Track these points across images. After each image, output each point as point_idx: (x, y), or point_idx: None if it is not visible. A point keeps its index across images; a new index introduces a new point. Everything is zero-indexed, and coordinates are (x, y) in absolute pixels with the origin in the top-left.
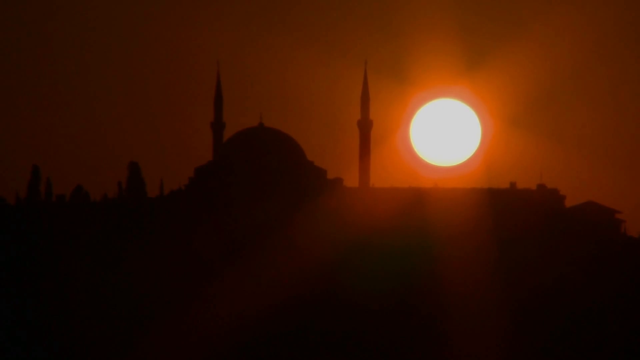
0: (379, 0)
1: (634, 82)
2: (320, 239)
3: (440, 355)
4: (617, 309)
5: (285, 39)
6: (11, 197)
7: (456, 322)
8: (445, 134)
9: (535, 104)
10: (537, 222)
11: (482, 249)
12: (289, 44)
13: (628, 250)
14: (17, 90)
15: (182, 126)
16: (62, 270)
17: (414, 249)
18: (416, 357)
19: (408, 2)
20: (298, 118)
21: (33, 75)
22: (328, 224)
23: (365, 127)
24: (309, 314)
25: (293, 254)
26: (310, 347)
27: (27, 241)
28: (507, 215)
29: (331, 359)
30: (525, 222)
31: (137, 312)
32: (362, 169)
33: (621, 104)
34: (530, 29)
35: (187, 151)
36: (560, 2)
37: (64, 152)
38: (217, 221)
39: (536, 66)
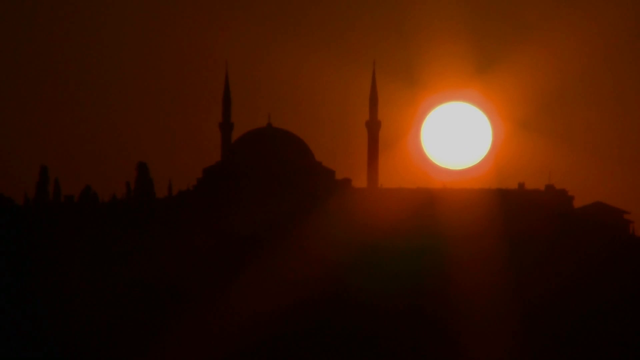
0: (389, 2)
1: None
2: (329, 240)
3: (451, 356)
4: (626, 310)
5: (294, 39)
6: (19, 197)
7: (465, 322)
8: (456, 136)
9: (545, 106)
10: (546, 222)
11: (491, 249)
12: (297, 45)
13: (636, 250)
14: (25, 91)
15: (191, 127)
16: (70, 271)
17: (423, 249)
18: (427, 357)
19: (418, 4)
20: (306, 119)
21: (41, 75)
22: (337, 225)
23: (373, 128)
24: (318, 315)
25: (301, 254)
26: (320, 348)
27: (36, 242)
28: (516, 216)
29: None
30: (533, 223)
31: (146, 313)
32: (370, 169)
33: (629, 105)
34: (540, 32)
35: (196, 152)
36: (569, 5)
37: (72, 152)
38: (225, 222)
39: (545, 69)
